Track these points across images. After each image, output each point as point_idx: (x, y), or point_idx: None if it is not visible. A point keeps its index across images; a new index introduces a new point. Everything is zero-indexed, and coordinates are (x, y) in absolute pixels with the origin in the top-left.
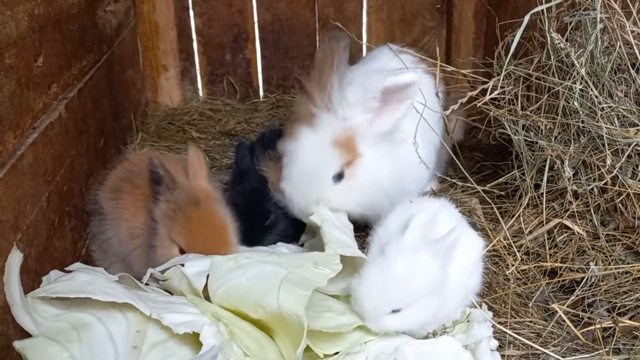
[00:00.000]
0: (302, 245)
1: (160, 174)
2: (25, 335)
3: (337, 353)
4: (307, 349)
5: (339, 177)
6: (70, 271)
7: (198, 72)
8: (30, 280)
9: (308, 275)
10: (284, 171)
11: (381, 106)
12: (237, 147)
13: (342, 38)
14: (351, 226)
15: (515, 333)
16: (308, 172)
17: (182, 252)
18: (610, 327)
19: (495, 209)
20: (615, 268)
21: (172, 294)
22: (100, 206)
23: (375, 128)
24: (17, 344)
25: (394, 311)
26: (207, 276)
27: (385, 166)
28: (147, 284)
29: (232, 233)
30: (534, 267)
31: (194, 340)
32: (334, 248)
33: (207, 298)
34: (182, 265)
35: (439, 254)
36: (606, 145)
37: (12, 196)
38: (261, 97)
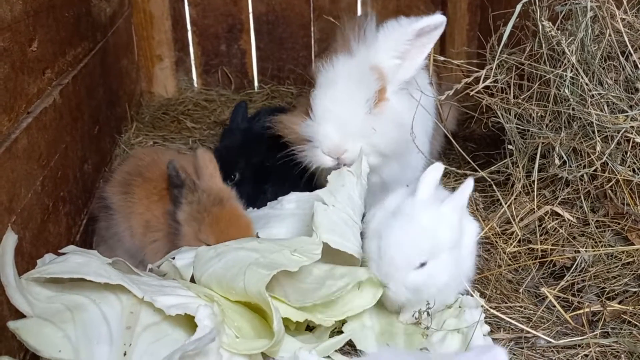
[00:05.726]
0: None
1: (181, 178)
2: (20, 315)
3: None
4: (300, 326)
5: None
6: (64, 253)
7: (193, 62)
8: (25, 263)
9: (281, 260)
10: (313, 102)
11: (409, 50)
12: (235, 106)
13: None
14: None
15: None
16: (345, 95)
17: None
18: (599, 311)
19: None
20: (604, 252)
21: None
22: (109, 202)
23: (401, 75)
24: (12, 324)
25: (420, 265)
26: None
27: (405, 119)
28: None
29: (254, 227)
30: (525, 252)
31: (187, 322)
32: (321, 235)
33: None
34: (174, 258)
35: (457, 208)
36: (596, 132)
37: (7, 179)
38: (256, 87)
